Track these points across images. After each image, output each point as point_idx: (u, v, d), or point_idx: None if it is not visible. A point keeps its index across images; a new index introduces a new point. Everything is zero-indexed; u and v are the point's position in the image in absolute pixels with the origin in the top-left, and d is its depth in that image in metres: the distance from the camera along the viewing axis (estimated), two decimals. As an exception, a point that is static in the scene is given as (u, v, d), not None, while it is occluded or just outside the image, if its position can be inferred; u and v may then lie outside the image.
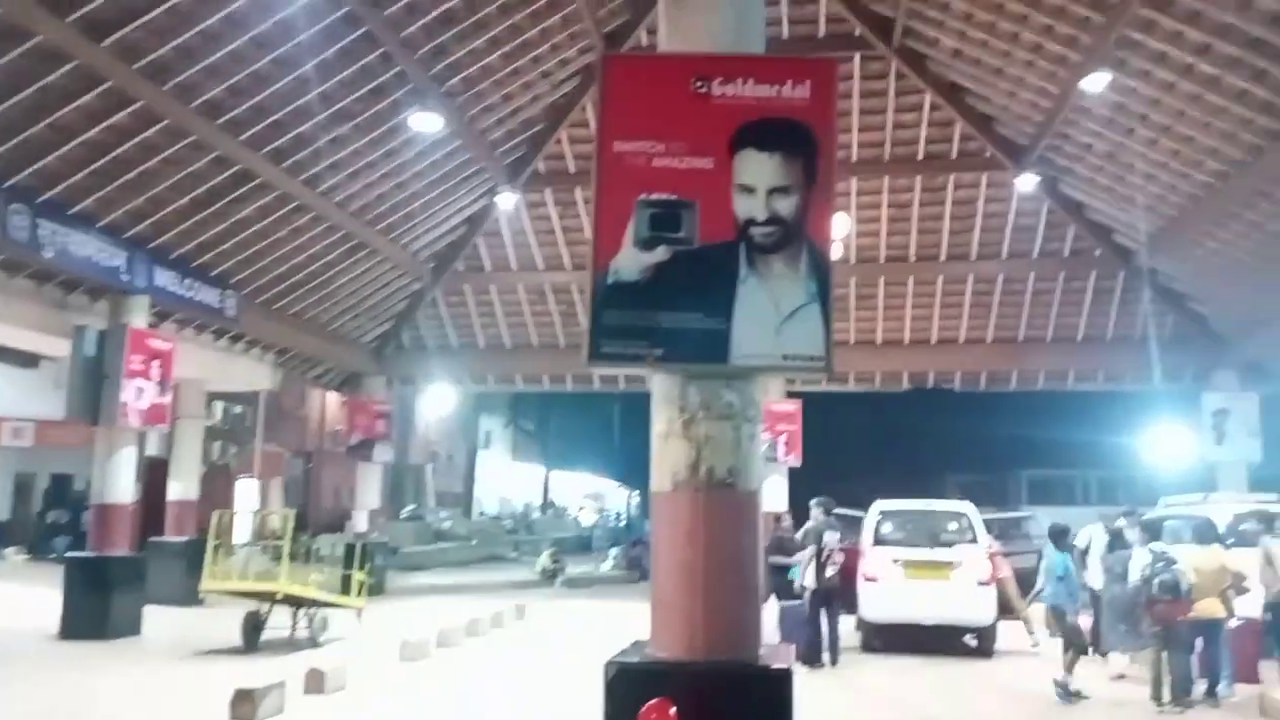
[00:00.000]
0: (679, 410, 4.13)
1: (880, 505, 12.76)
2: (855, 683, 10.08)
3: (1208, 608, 8.86)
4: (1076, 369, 20.13)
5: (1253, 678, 9.45)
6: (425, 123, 13.99)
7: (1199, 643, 8.99)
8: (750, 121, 4.07)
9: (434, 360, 21.43)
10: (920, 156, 17.36)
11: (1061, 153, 16.05)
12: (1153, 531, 9.36)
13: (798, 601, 11.10)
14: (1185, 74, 12.36)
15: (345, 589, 12.41)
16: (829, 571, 10.80)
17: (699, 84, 4.09)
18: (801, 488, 19.39)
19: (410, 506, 35.34)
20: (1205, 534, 10.70)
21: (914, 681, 10.12)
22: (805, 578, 11.06)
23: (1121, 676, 10.25)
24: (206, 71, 11.64)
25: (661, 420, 4.20)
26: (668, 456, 4.15)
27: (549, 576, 23.05)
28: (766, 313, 4.01)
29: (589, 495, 56.59)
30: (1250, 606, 9.65)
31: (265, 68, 12.12)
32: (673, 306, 4.01)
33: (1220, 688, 8.95)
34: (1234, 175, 13.68)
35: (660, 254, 4.03)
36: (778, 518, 14.13)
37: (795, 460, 19.92)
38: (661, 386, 4.23)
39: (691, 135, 4.07)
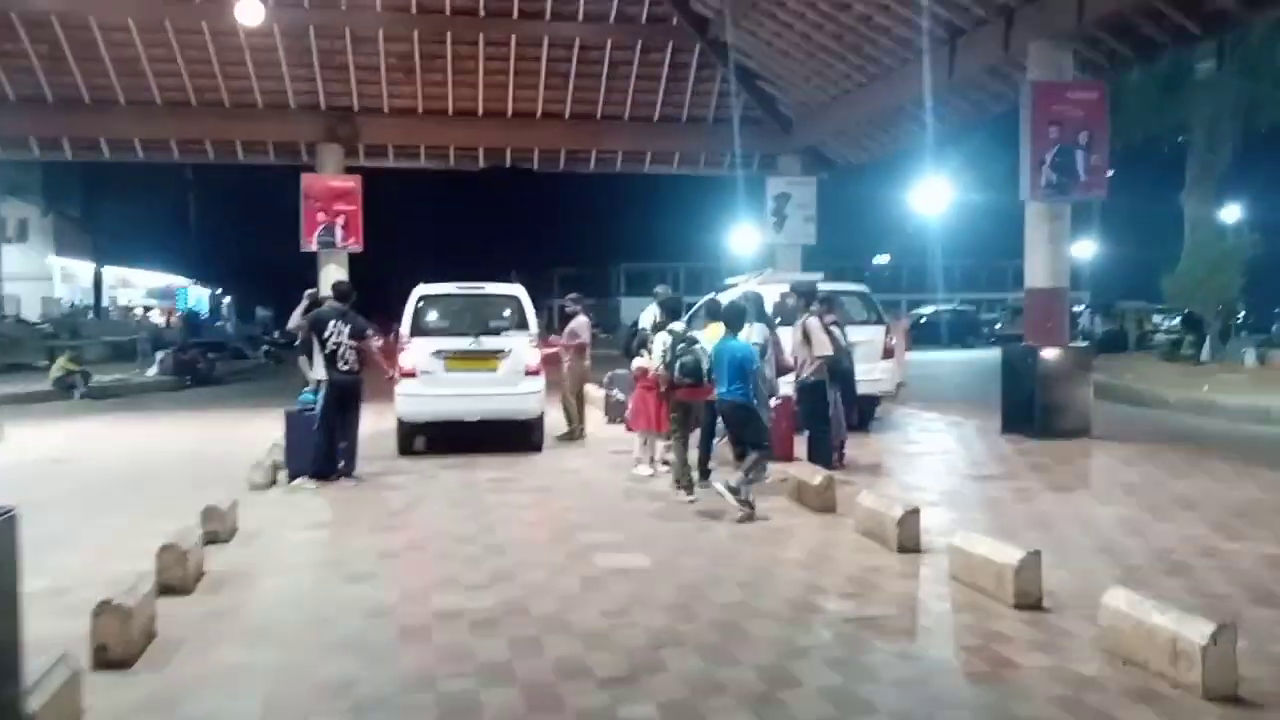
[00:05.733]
0: None
1: (421, 290, 11.03)
2: (368, 494, 8.52)
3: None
4: (654, 150, 19.42)
5: (788, 455, 9.08)
6: None
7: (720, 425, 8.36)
8: None
9: None
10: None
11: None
12: (670, 311, 8.49)
13: (310, 403, 9.23)
14: None
15: None
16: (342, 365, 8.97)
17: None
18: (367, 278, 17.32)
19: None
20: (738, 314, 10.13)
21: (435, 489, 8.75)
22: (315, 370, 9.19)
23: (665, 463, 9.62)
24: None
25: None
26: None
27: (65, 388, 19.22)
28: None
29: (154, 293, 50.13)
30: (785, 385, 9.30)
31: None
32: None
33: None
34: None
35: None
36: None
37: (356, 245, 17.65)
38: None
39: None
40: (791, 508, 7.49)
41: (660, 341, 8.09)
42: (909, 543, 5.99)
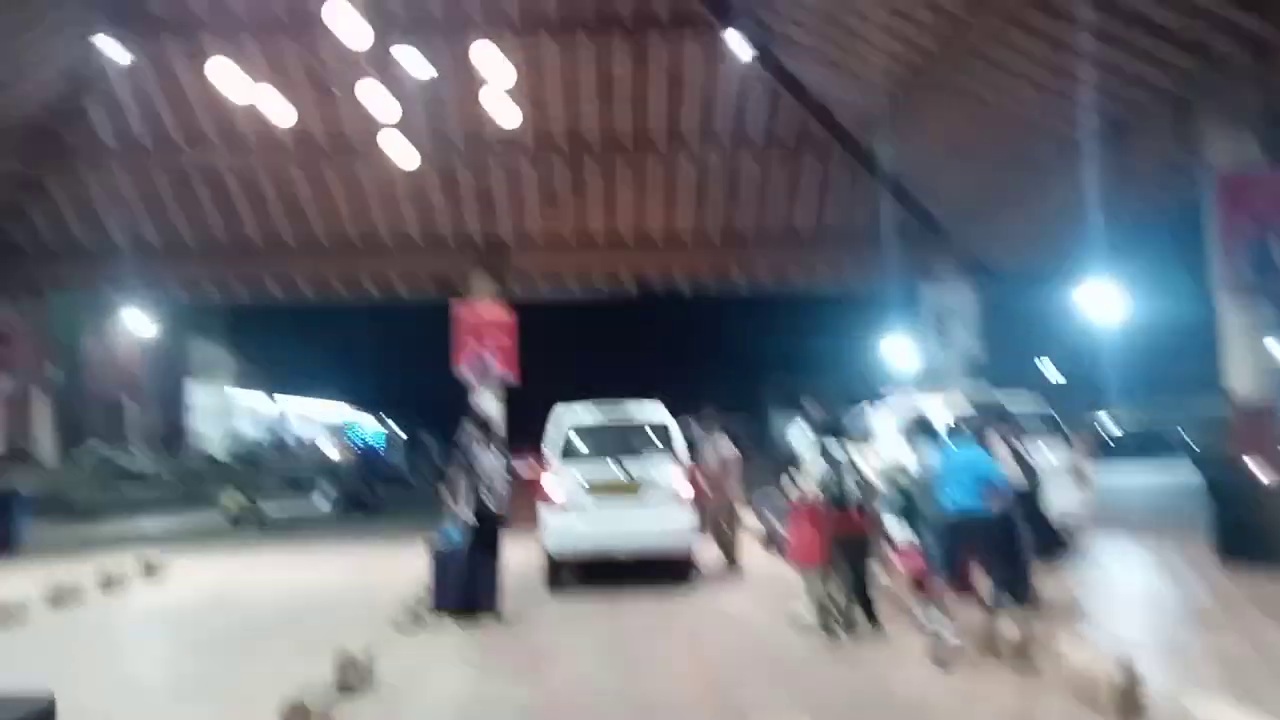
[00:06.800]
0: None
1: (564, 414, 10.67)
2: (510, 635, 8.04)
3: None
4: (805, 265, 18.97)
5: (970, 594, 8.05)
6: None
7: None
8: None
9: (64, 266, 17.48)
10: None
11: (772, 10, 14.37)
12: (829, 430, 7.72)
13: (453, 537, 8.90)
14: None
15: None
16: (487, 498, 8.64)
17: None
18: (524, 410, 17.25)
19: (91, 444, 30.39)
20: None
21: (580, 630, 8.18)
22: (461, 510, 8.88)
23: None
24: None
25: None
26: None
27: (234, 521, 19.77)
28: None
29: (330, 426, 52.34)
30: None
31: None
32: None
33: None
34: (952, 36, 12.42)
35: None
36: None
37: (511, 377, 17.73)
38: None
39: None
40: (979, 660, 6.53)
41: (816, 465, 7.41)
42: (1135, 712, 4.99)
